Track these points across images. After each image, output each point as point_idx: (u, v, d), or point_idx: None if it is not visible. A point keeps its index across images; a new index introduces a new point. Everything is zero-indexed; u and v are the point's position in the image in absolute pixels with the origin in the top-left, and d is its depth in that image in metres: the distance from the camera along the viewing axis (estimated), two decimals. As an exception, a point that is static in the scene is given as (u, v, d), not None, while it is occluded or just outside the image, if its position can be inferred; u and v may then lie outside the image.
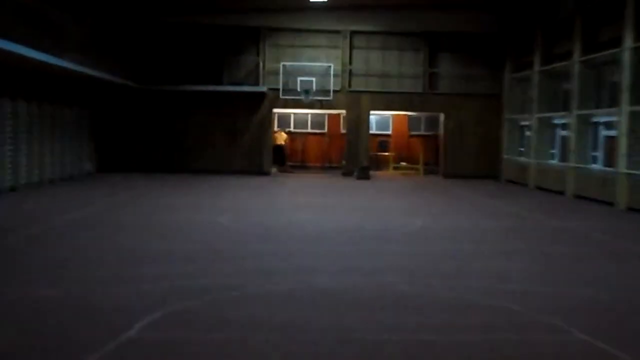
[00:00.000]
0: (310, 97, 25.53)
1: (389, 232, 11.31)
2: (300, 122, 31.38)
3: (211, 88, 25.82)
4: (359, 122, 27.15)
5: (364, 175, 25.02)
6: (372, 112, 27.43)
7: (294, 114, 31.04)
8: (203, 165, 25.62)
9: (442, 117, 27.78)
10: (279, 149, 29.13)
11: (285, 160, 29.23)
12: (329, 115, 30.67)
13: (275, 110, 27.18)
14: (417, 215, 13.57)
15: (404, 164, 29.68)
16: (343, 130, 29.16)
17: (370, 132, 28.36)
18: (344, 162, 27.14)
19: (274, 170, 27.59)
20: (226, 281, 8.07)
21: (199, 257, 9.55)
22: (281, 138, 29.46)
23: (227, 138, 25.97)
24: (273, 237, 10.83)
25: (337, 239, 10.95)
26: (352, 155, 27.01)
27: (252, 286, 7.85)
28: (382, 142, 31.17)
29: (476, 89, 27.38)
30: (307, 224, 12.01)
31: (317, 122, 31.37)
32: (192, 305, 6.98)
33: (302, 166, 30.52)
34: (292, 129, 31.14)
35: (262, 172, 25.91)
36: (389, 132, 31.41)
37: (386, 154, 30.50)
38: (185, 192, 17.69)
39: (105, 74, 21.98)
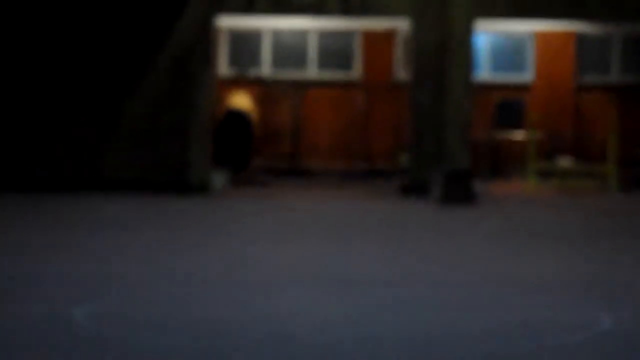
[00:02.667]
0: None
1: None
2: (290, 54, 21.98)
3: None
4: (443, 52, 17.99)
5: (458, 193, 16.47)
6: (479, 25, 18.34)
7: (274, 32, 21.56)
8: (52, 170, 17.71)
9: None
10: (233, 126, 20.75)
11: (249, 156, 20.50)
12: (366, 35, 21.61)
13: (223, 21, 18.32)
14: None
15: (565, 161, 20.25)
16: (401, 77, 20.88)
17: (477, 78, 19.43)
18: (403, 160, 18.78)
19: (219, 180, 17.90)
20: None
21: None
22: (239, 101, 21.30)
23: (101, 106, 17.70)
24: None
25: None
26: (424, 142, 17.95)
27: None
28: (508, 105, 21.94)
29: None
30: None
31: (334, 54, 22.16)
32: None
33: (294, 171, 21.11)
34: (265, 76, 21.59)
35: (188, 188, 17.31)
36: (527, 80, 21.81)
37: (518, 135, 21.51)
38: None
39: None
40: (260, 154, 21.66)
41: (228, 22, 18.89)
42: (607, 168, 19.56)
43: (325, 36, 21.88)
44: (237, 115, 21.28)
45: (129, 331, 6.63)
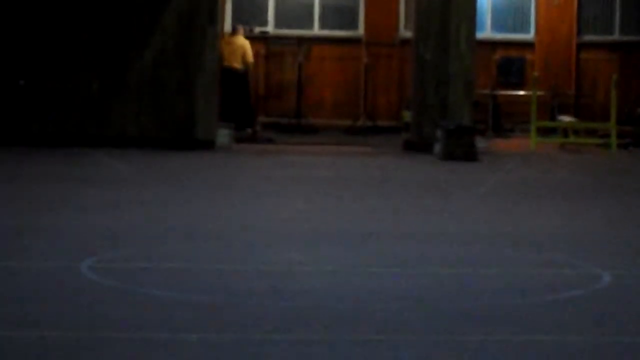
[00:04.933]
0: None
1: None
2: (293, 12, 21.91)
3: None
4: (447, 8, 17.49)
5: (460, 149, 16.28)
6: (482, -17, 17.86)
7: (278, -12, 21.98)
8: (59, 127, 17.24)
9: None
10: (235, 80, 19.77)
11: (254, 111, 19.74)
12: (369, -8, 22.99)
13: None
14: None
15: (566, 119, 19.54)
16: (405, 34, 20.56)
17: (479, 35, 18.69)
18: (406, 116, 18.30)
19: (224, 136, 17.52)
20: None
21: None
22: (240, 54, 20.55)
23: (106, 62, 17.24)
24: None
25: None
26: (427, 99, 17.49)
27: None
28: (510, 62, 21.80)
29: None
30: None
31: (338, 11, 22.00)
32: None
33: (299, 128, 20.49)
34: (269, 31, 21.31)
35: (194, 144, 17.01)
36: (529, 37, 21.71)
37: (520, 93, 20.79)
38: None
39: None
40: (265, 110, 21.08)
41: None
42: (608, 126, 18.99)
43: (328, -6, 21.85)
44: (237, 71, 20.20)
45: (137, 283, 6.71)
